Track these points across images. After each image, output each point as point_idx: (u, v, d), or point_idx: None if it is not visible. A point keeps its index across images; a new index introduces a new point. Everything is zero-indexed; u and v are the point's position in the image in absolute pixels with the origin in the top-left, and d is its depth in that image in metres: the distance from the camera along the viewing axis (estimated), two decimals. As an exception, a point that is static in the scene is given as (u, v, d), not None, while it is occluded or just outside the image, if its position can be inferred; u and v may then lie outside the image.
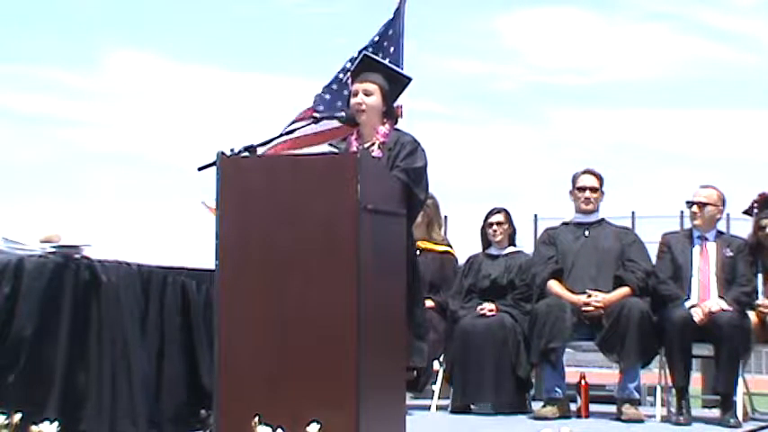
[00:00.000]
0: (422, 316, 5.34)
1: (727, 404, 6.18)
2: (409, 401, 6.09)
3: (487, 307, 6.84)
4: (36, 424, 4.06)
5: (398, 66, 7.24)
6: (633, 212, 12.57)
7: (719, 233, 6.66)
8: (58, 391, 4.82)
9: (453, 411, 6.74)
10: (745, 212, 6.93)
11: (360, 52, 7.15)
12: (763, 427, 6.12)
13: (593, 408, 6.62)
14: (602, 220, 6.84)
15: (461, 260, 7.38)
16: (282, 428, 3.90)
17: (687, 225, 7.04)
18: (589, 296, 6.41)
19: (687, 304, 6.29)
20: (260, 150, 4.50)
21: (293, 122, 7.51)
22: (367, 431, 4.01)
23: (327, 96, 7.69)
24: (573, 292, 6.48)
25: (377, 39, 7.71)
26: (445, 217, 8.03)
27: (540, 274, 6.65)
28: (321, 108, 7.43)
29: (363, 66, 5.39)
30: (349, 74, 5.47)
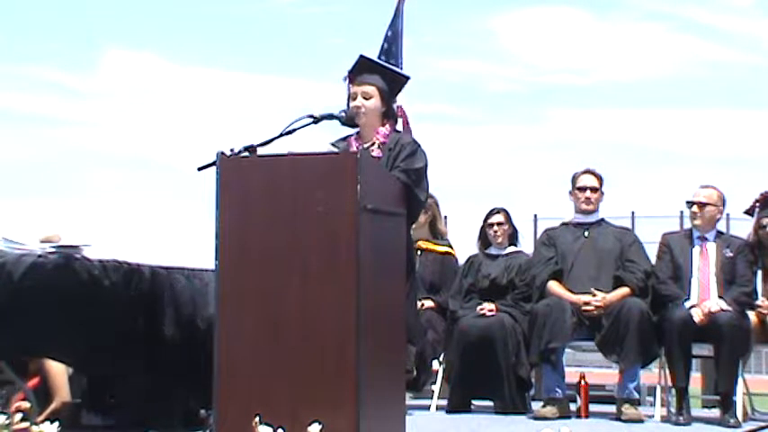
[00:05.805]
0: (414, 319, 5.33)
1: (726, 404, 6.18)
2: (409, 401, 6.08)
3: (487, 307, 6.83)
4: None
5: (398, 66, 7.23)
6: (633, 212, 12.60)
7: (719, 233, 6.65)
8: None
9: (452, 410, 6.73)
10: (747, 212, 6.92)
11: (379, 57, 7.15)
12: (763, 427, 6.11)
13: (593, 408, 6.61)
14: (602, 220, 6.84)
15: (461, 260, 7.37)
16: (283, 428, 3.90)
17: (687, 225, 7.03)
18: (594, 295, 6.40)
19: (687, 304, 6.28)
20: (260, 150, 4.49)
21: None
22: (367, 431, 4.01)
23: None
24: (572, 292, 6.48)
25: (385, 46, 7.69)
26: (445, 217, 8.03)
27: (540, 276, 6.64)
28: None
29: (360, 68, 5.36)
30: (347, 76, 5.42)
